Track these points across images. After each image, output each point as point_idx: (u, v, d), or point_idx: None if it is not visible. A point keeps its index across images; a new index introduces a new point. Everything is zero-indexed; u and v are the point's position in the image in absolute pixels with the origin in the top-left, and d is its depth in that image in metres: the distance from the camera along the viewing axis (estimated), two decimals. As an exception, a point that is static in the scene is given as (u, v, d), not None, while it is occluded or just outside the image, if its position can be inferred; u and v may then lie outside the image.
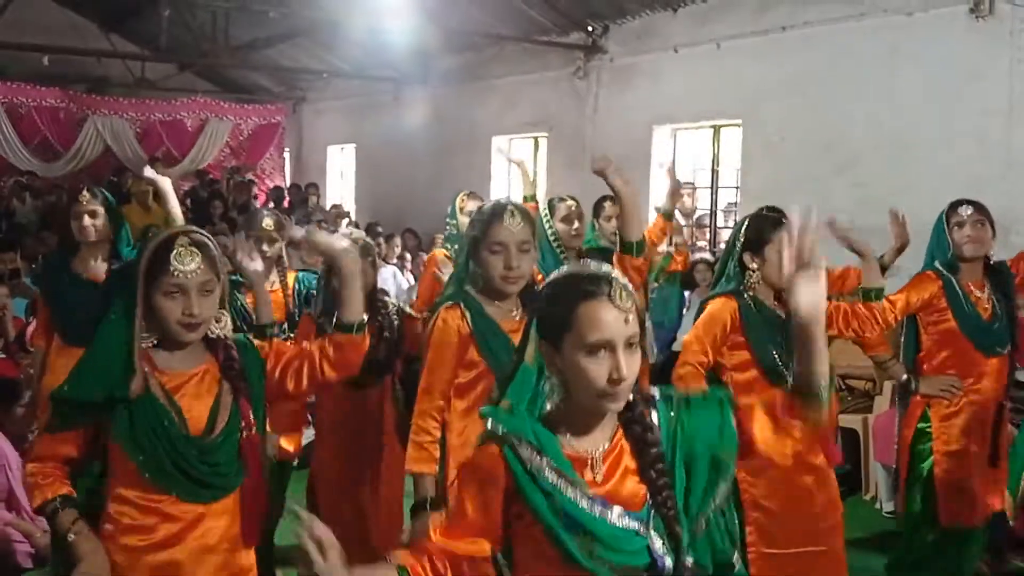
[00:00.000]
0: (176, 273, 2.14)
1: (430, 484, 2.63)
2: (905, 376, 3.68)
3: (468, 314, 2.63)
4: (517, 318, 2.68)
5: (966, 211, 3.57)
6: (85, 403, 2.14)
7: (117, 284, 2.36)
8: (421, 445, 2.65)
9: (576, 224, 4.20)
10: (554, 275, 1.74)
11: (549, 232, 4.11)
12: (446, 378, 2.67)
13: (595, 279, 1.65)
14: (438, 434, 2.67)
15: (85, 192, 3.92)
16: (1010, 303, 3.66)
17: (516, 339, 2.56)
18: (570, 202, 4.22)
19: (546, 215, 4.17)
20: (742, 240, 3.12)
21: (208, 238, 2.23)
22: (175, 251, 2.15)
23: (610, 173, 2.97)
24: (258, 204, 12.62)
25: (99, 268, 3.95)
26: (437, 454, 2.67)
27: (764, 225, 3.08)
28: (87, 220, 3.84)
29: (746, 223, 3.18)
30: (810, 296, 1.62)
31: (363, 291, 3.23)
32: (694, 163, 8.90)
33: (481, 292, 2.68)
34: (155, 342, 2.20)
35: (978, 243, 3.55)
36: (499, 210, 2.67)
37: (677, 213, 8.89)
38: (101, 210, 3.89)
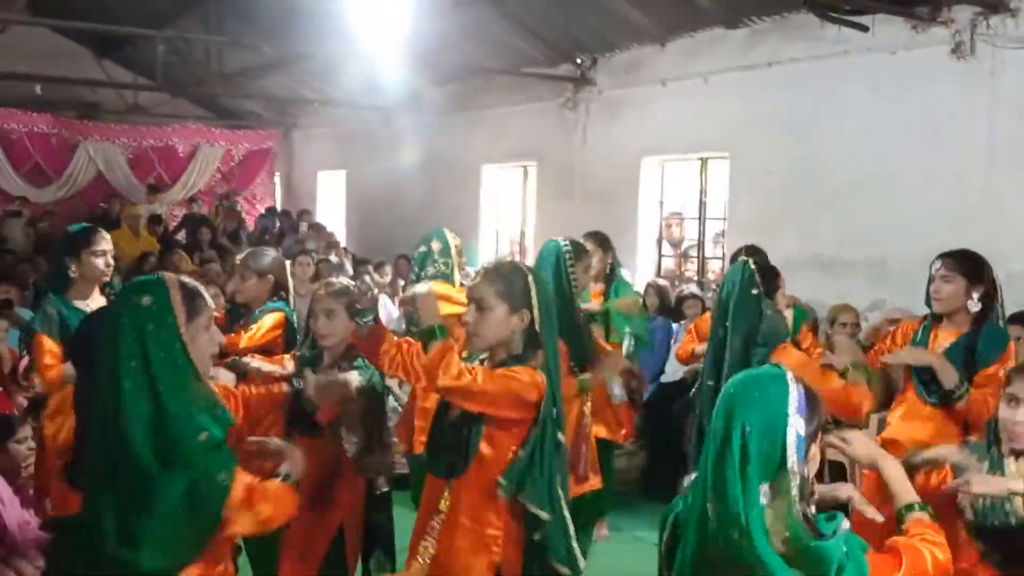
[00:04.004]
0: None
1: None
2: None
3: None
4: None
5: (935, 266, 3.59)
6: None
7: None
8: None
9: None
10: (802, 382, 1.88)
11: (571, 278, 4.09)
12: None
13: None
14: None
15: (101, 231, 4.05)
16: (967, 359, 3.49)
17: None
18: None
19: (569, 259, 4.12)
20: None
21: None
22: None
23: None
24: (248, 230, 12.68)
25: (96, 303, 4.01)
26: None
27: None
28: (109, 258, 4.02)
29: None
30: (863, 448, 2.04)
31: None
32: (682, 194, 9.02)
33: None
34: None
35: (938, 300, 3.56)
36: None
37: (665, 243, 9.06)
38: (112, 248, 4.08)
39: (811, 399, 1.83)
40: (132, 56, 12.78)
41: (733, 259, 4.96)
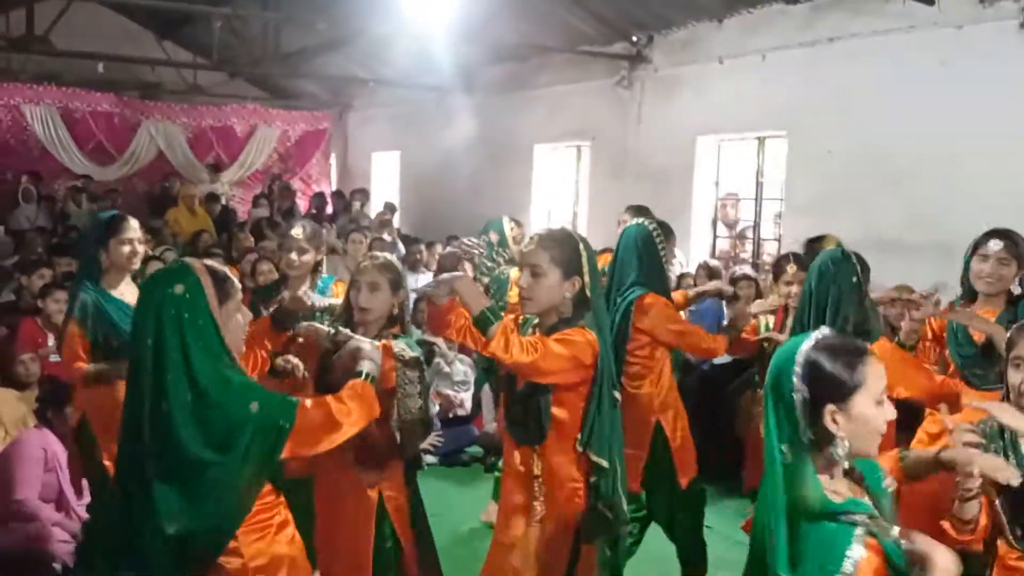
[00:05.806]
0: None
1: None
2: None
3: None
4: None
5: (996, 246, 3.48)
6: None
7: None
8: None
9: None
10: (823, 345, 1.87)
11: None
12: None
13: (859, 342, 1.96)
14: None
15: (129, 219, 3.95)
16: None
17: None
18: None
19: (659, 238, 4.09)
20: None
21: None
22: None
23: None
24: (302, 210, 12.79)
25: (129, 290, 3.93)
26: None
27: None
28: (138, 247, 3.92)
29: None
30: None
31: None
32: (739, 174, 8.85)
33: None
34: None
35: (995, 281, 3.47)
36: None
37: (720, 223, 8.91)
38: (141, 236, 3.99)
39: (830, 360, 1.85)
40: (192, 37, 12.94)
41: (777, 265, 4.69)
